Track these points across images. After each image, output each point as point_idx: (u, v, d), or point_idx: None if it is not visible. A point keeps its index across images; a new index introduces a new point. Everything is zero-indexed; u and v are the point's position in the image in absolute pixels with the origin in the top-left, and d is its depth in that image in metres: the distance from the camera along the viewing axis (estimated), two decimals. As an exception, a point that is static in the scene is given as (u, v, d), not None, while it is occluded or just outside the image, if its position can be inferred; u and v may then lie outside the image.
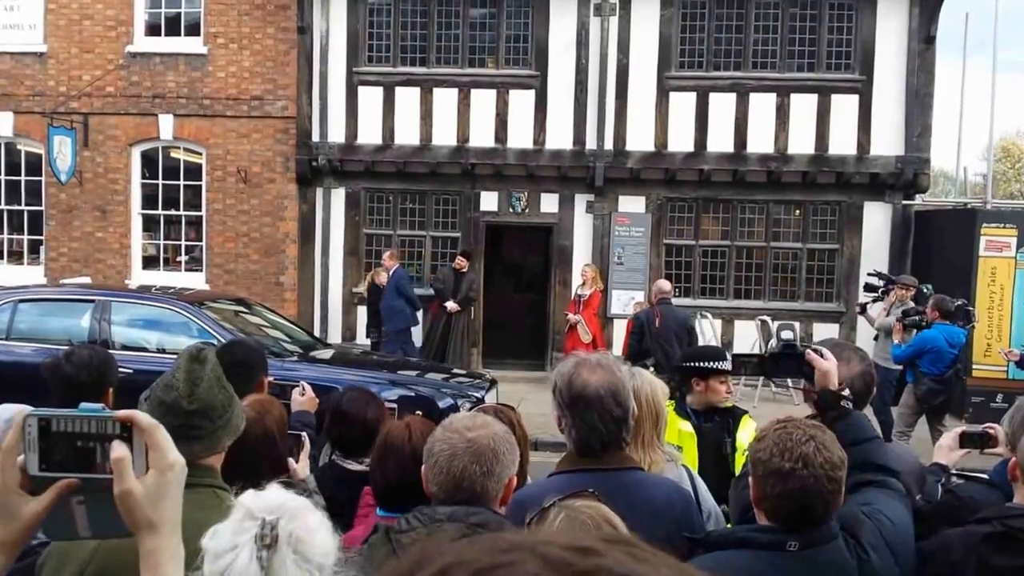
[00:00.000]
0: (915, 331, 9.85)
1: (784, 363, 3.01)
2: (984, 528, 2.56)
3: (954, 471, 3.46)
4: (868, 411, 3.25)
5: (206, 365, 2.47)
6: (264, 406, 3.38)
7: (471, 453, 2.25)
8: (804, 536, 2.26)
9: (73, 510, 1.20)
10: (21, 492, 1.18)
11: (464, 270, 13.69)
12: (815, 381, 2.85)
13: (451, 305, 13.49)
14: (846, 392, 2.82)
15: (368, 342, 13.63)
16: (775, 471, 2.23)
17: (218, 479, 2.43)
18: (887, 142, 14.30)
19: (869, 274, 12.12)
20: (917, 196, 14.72)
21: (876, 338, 10.97)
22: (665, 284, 10.82)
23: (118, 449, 1.18)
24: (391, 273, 13.45)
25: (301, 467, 3.61)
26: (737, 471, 4.02)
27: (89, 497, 1.19)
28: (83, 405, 1.22)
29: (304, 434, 3.75)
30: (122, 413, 1.20)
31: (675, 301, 14.33)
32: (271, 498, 1.80)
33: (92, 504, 1.20)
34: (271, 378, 4.45)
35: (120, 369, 4.19)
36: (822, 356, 2.86)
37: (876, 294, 11.41)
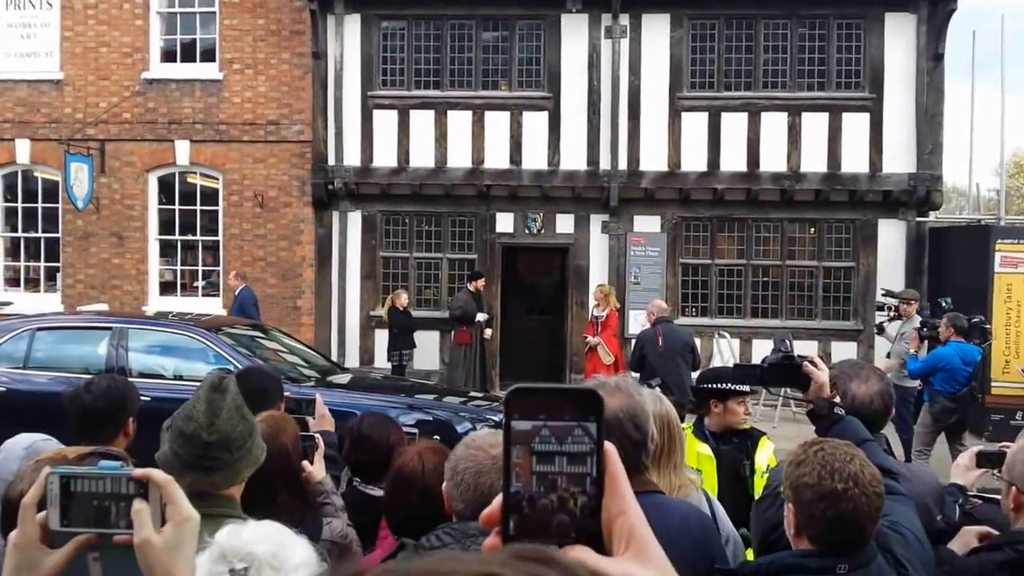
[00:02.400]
0: (928, 344, 9.83)
1: (781, 373, 3.07)
2: (997, 555, 2.55)
3: (972, 492, 3.43)
4: (889, 430, 3.25)
5: (227, 395, 2.48)
6: (278, 423, 3.39)
7: (497, 470, 2.24)
8: (852, 557, 2.24)
9: (89, 567, 1.23)
10: (42, 546, 1.21)
11: (482, 290, 13.73)
12: (810, 391, 2.89)
13: (489, 332, 13.57)
14: (837, 399, 2.90)
15: (389, 366, 13.61)
16: (827, 493, 2.21)
17: (237, 509, 2.44)
18: (899, 160, 14.29)
19: (882, 295, 12.11)
20: (930, 213, 14.70)
21: (888, 355, 10.94)
22: (661, 303, 10.91)
23: (138, 502, 1.22)
24: (236, 292, 13.59)
25: (316, 469, 3.63)
26: (756, 493, 4.00)
27: (105, 554, 1.22)
28: (102, 463, 1.27)
29: (318, 435, 3.76)
30: (139, 472, 1.24)
31: (694, 320, 14.50)
32: (244, 542, 1.81)
33: (108, 561, 1.23)
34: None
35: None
36: (816, 367, 2.91)
37: (891, 312, 11.37)
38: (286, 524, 3.07)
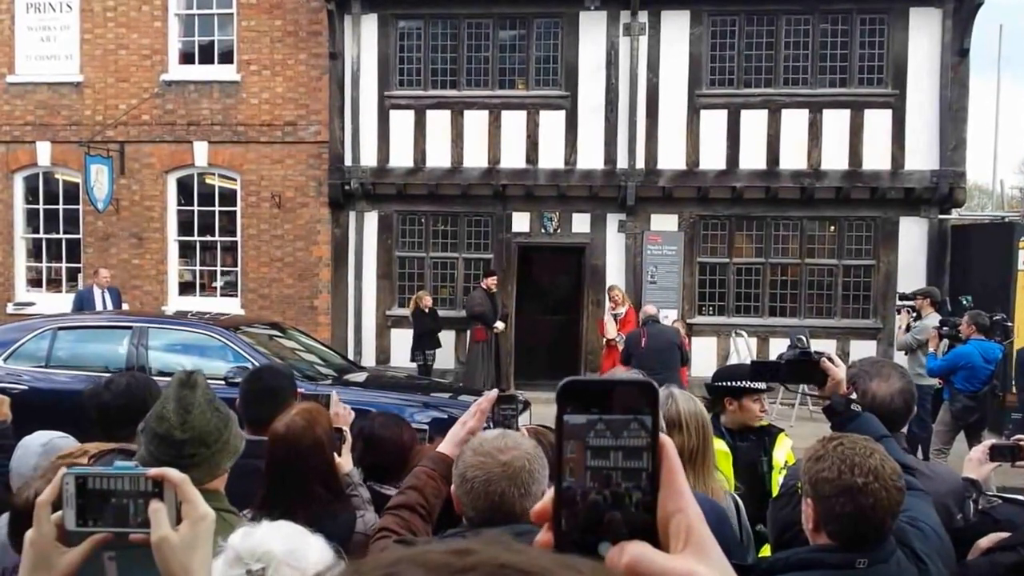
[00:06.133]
0: (948, 342, 9.74)
1: (799, 369, 3.06)
2: (1010, 556, 2.52)
3: (991, 492, 3.39)
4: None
5: (196, 390, 2.45)
6: (313, 415, 3.39)
7: (507, 477, 2.21)
8: (871, 552, 2.22)
9: (104, 565, 1.24)
10: (57, 544, 1.22)
11: (496, 290, 13.76)
12: (826, 387, 2.88)
13: (500, 325, 13.58)
14: (854, 396, 2.90)
15: (414, 366, 13.62)
16: (847, 488, 2.19)
17: (224, 502, 2.42)
18: (921, 156, 14.17)
19: (899, 299, 12.01)
20: (953, 210, 14.56)
21: (905, 353, 10.88)
22: (651, 308, 11.47)
23: (154, 502, 1.23)
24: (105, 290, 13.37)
25: (344, 461, 3.63)
26: (774, 490, 3.98)
27: (120, 554, 1.23)
28: (117, 463, 1.27)
29: (346, 429, 3.76)
30: (154, 471, 1.24)
31: (711, 319, 14.50)
32: (259, 542, 1.80)
33: (123, 561, 1.24)
34: (305, 402, 4.45)
35: (158, 395, 4.20)
36: (833, 363, 2.90)
37: (913, 313, 11.25)
38: (320, 515, 3.08)
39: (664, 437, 0.73)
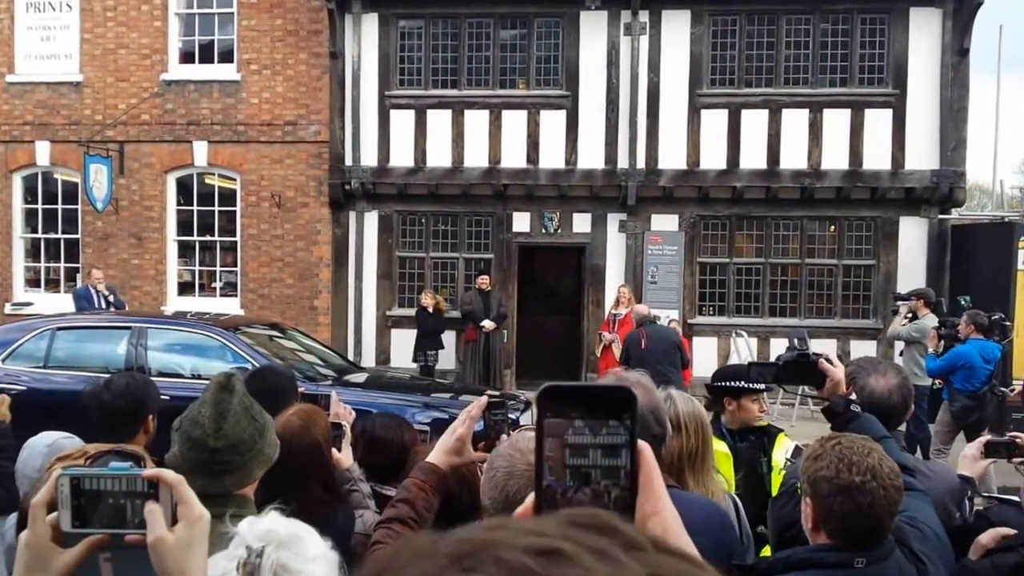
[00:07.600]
0: (945, 343, 9.73)
1: (797, 371, 3.06)
2: (1011, 557, 2.51)
3: (988, 494, 3.38)
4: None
5: (234, 395, 2.44)
6: (310, 416, 3.38)
7: (527, 477, 2.19)
8: (869, 552, 2.22)
9: (100, 567, 1.23)
10: (53, 546, 1.21)
11: (489, 288, 13.75)
12: (825, 388, 2.88)
13: (488, 324, 13.53)
14: (853, 396, 2.90)
15: (415, 367, 13.60)
16: (845, 487, 2.19)
17: (252, 509, 2.41)
18: (922, 156, 14.17)
19: (893, 304, 11.98)
20: (953, 210, 14.56)
21: (901, 353, 10.86)
22: (643, 308, 11.45)
23: (150, 503, 1.22)
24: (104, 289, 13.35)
25: (344, 456, 3.62)
26: (774, 490, 3.97)
27: (117, 555, 1.23)
28: (112, 464, 1.28)
29: (345, 424, 3.75)
30: (149, 472, 1.24)
31: (711, 319, 14.48)
32: (263, 527, 1.80)
33: (119, 562, 1.24)
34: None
35: (157, 396, 4.19)
36: (832, 364, 2.91)
37: (908, 315, 11.24)
38: (318, 516, 3.07)
39: (642, 442, 0.73)
